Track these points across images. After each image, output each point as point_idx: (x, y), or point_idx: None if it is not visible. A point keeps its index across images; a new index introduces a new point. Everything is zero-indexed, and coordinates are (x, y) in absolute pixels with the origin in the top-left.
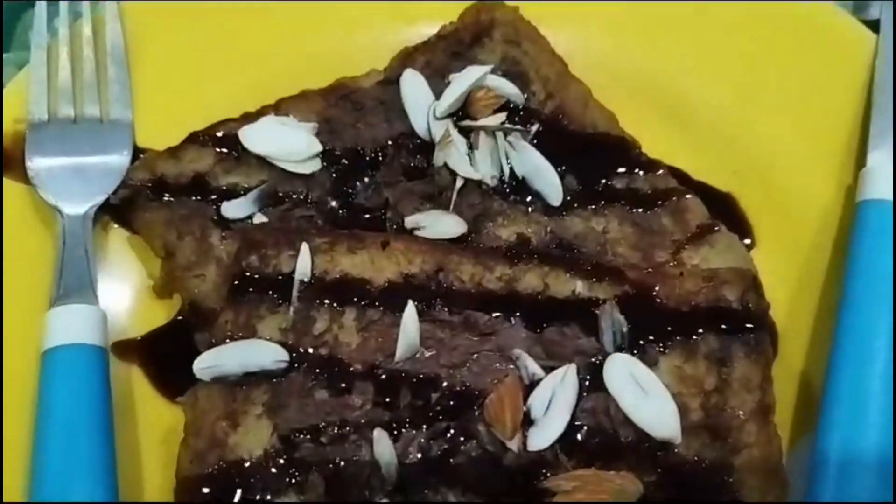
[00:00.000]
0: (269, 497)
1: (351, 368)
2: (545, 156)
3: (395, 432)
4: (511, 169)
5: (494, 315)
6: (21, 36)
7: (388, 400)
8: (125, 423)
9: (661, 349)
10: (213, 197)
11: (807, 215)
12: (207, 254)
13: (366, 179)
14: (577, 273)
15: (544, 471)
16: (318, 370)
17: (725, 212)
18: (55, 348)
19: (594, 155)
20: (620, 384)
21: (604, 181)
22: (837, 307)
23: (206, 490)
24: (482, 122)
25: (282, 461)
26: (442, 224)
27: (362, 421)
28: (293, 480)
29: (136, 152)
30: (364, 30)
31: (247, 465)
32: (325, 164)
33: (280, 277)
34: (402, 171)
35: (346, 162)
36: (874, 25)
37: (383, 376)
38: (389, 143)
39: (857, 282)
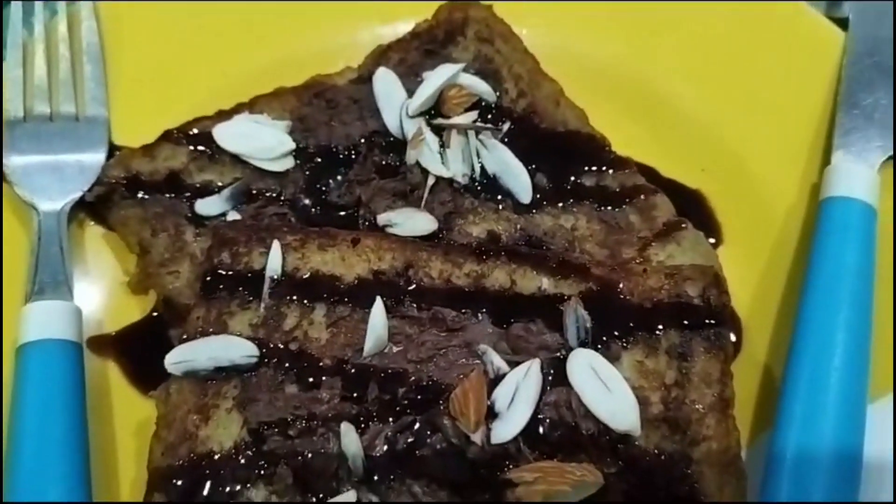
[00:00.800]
0: (238, 488)
1: (320, 364)
2: (516, 154)
3: (363, 425)
4: (482, 167)
5: (462, 311)
6: None
7: (355, 394)
8: (100, 416)
9: (624, 344)
10: (188, 194)
11: (773, 212)
12: (181, 250)
13: (338, 177)
14: (544, 270)
15: (507, 463)
16: (287, 365)
17: (694, 208)
18: (30, 343)
19: (564, 153)
20: (582, 378)
21: (573, 179)
22: (799, 302)
23: (177, 481)
24: (454, 120)
25: (251, 453)
26: (413, 221)
27: (330, 415)
28: (262, 472)
29: (112, 150)
30: (340, 28)
31: (217, 457)
32: (298, 161)
33: (251, 274)
34: (375, 168)
35: (319, 160)
36: (845, 23)
37: (352, 371)
38: (362, 140)
39: (818, 277)
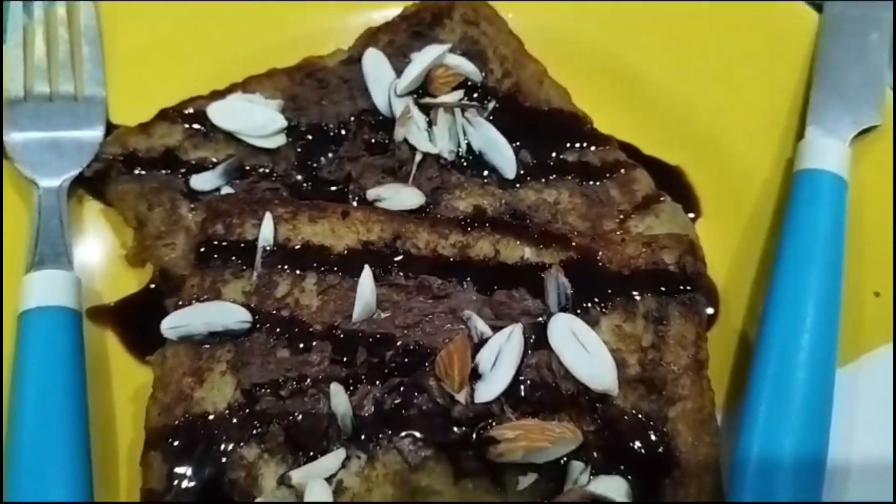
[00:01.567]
0: (231, 446)
1: (310, 329)
2: (501, 131)
3: (351, 387)
4: (468, 144)
5: (447, 279)
6: None
7: (345, 357)
8: (98, 383)
9: (603, 310)
10: (183, 170)
11: (749, 186)
12: (177, 224)
13: (329, 154)
14: (526, 240)
15: (490, 421)
16: (279, 330)
17: (674, 184)
18: (31, 310)
19: (548, 130)
20: (563, 341)
21: (556, 155)
22: (773, 273)
23: (172, 440)
24: (441, 99)
25: (244, 413)
26: (401, 196)
27: (320, 376)
28: (254, 431)
29: (109, 129)
30: (331, 12)
31: (211, 417)
32: (290, 139)
33: (244, 245)
34: (364, 146)
35: (311, 137)
36: (820, 6)
37: (341, 336)
38: (352, 119)
39: (791, 245)
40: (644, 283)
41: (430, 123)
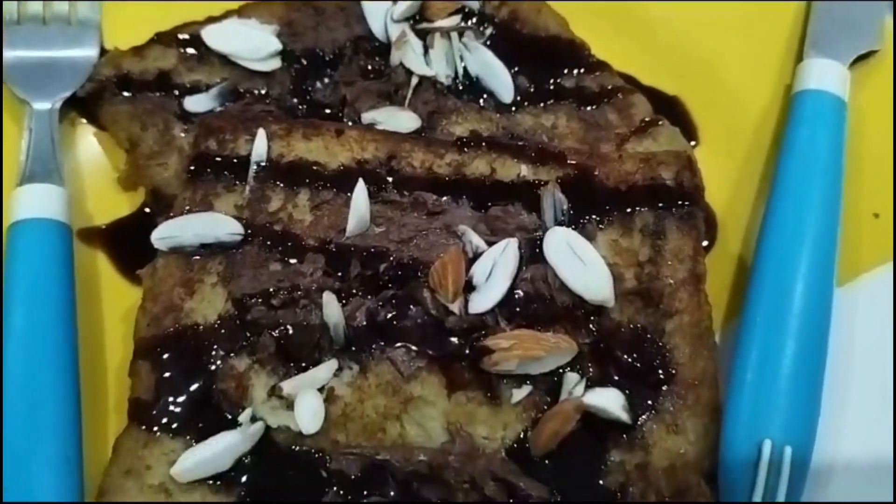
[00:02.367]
0: (221, 357)
1: (303, 243)
2: (498, 57)
3: (344, 299)
4: (465, 69)
5: (443, 196)
6: None
7: (338, 270)
8: (89, 302)
9: (599, 225)
10: (177, 93)
11: (748, 114)
12: (170, 144)
13: (325, 79)
14: (523, 158)
15: (484, 333)
16: (271, 244)
17: (673, 113)
18: (20, 222)
19: (545, 56)
20: (558, 253)
21: (553, 80)
22: (772, 193)
23: (161, 350)
24: (438, 23)
25: (234, 324)
26: (397, 119)
27: (313, 287)
28: (245, 342)
29: (103, 53)
30: None
31: (201, 328)
32: (284, 63)
33: (236, 160)
34: (360, 71)
35: (306, 62)
36: None
37: (334, 250)
38: (348, 44)
39: (790, 165)
40: (641, 198)
41: (427, 49)
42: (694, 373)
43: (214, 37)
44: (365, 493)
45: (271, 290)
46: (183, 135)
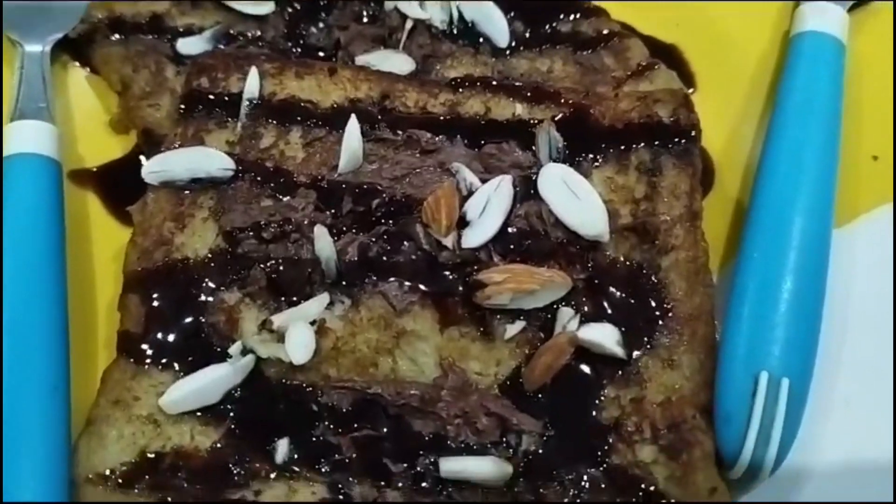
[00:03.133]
0: (211, 290)
1: (295, 179)
2: (493, 1)
3: (336, 235)
4: (460, 13)
5: (437, 135)
6: None
7: (329, 206)
8: (79, 243)
9: (595, 163)
10: (169, 36)
11: (745, 60)
12: (162, 86)
13: (319, 24)
14: (518, 97)
15: (477, 268)
16: (262, 179)
17: (670, 61)
18: (11, 156)
19: (541, 1)
20: (553, 189)
21: (549, 25)
22: (769, 133)
23: (151, 283)
24: None
25: (225, 258)
26: (391, 62)
27: (305, 222)
28: (236, 276)
29: None
30: None
31: (191, 261)
32: (278, 7)
33: (228, 98)
34: (354, 16)
35: (299, 5)
36: None
37: (326, 186)
38: None
39: (788, 106)
40: (637, 135)
41: None
42: (690, 308)
43: None
44: (356, 426)
45: (262, 223)
46: (175, 77)
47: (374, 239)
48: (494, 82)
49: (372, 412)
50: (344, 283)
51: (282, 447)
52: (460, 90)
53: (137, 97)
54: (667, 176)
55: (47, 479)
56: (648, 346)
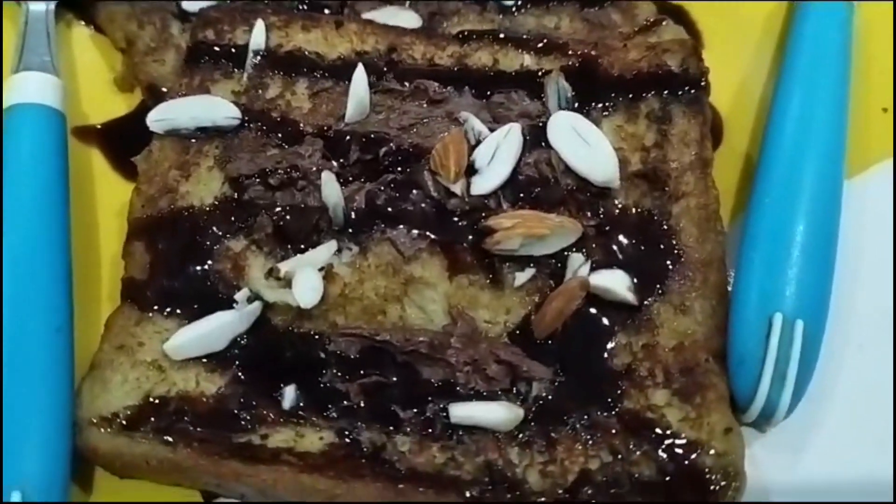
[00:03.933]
0: (217, 237)
1: (301, 128)
2: None
3: (344, 183)
4: None
5: (445, 86)
6: None
7: (337, 155)
8: (83, 198)
9: (604, 112)
10: None
11: (754, 16)
12: (167, 42)
13: None
14: (526, 49)
15: (486, 215)
16: (268, 129)
17: (677, 21)
18: (13, 106)
19: None
20: (562, 136)
21: None
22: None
23: (156, 230)
24: None
25: (231, 205)
26: (398, 18)
27: (311, 169)
28: (242, 223)
29: None
30: None
31: (196, 209)
32: None
33: (234, 49)
34: None
35: None
36: None
37: (332, 135)
38: None
39: (797, 60)
40: (647, 84)
41: None
42: (701, 255)
43: None
44: (363, 373)
45: (269, 170)
46: (180, 33)
47: (381, 187)
48: (502, 35)
49: (380, 359)
50: (351, 230)
51: (289, 393)
52: (468, 43)
53: (142, 53)
54: (677, 124)
55: (51, 418)
56: (660, 293)
